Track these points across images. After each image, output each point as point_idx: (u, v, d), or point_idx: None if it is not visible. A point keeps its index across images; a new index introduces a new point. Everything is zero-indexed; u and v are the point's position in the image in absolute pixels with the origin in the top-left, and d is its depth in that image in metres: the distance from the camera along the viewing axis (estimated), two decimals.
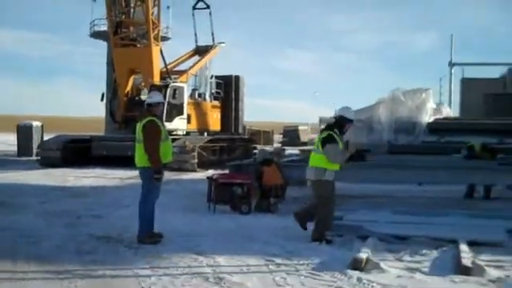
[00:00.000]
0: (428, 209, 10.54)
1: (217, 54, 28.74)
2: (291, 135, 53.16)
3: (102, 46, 37.57)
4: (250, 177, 11.18)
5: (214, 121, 27.68)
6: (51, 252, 7.38)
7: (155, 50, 24.39)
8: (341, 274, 6.35)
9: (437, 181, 12.15)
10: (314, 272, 6.46)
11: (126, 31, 25.25)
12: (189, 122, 24.74)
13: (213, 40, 28.50)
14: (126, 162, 16.08)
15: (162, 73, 24.78)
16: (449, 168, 12.48)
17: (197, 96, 26.73)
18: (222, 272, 6.45)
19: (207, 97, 27.39)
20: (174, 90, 23.43)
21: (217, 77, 28.35)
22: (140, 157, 8.04)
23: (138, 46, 25.21)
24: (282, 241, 8.12)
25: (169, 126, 20.84)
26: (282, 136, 56.71)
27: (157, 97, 8.61)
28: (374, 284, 6.02)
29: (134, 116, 20.71)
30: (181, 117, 23.98)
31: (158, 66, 24.64)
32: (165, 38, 33.19)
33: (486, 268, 6.53)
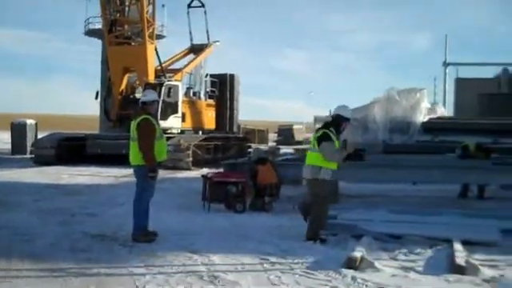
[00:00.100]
0: (422, 208, 10.55)
1: (212, 53, 28.74)
2: (286, 134, 53.13)
3: (96, 44, 37.53)
4: (245, 175, 11.18)
5: (209, 119, 27.67)
6: (45, 250, 7.36)
7: (150, 48, 24.36)
8: (335, 272, 6.35)
9: (431, 180, 12.17)
10: (309, 271, 6.46)
11: (120, 29, 25.21)
12: (183, 120, 24.73)
13: (208, 38, 28.50)
14: (121, 160, 16.04)
15: (156, 71, 24.76)
16: (443, 167, 12.50)
17: (191, 94, 26.71)
18: (217, 270, 6.45)
19: (202, 95, 27.38)
20: (169, 89, 23.41)
21: (212, 75, 28.35)
22: (134, 155, 8.03)
23: (133, 44, 25.18)
24: (276, 239, 8.13)
25: (163, 124, 20.81)
26: (276, 135, 56.70)
27: (151, 95, 8.59)
28: (369, 283, 6.02)
29: (128, 114, 20.64)
30: (175, 115, 23.97)
31: (152, 64, 24.61)
32: (160, 37, 33.16)
33: (479, 267, 6.55)
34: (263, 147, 31.25)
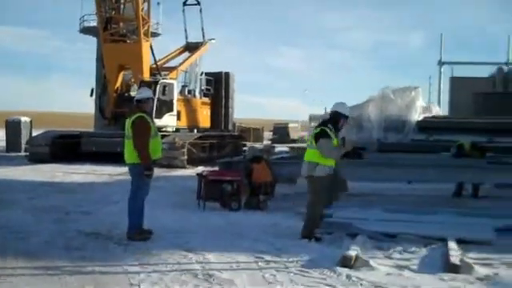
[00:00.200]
0: (417, 207, 10.56)
1: (207, 51, 28.71)
2: (281, 132, 53.16)
3: (91, 41, 37.46)
4: (240, 174, 11.18)
5: (204, 117, 27.65)
6: (40, 248, 7.35)
7: (145, 45, 24.33)
8: (330, 271, 6.36)
9: (426, 179, 12.21)
10: (304, 269, 6.47)
11: (115, 27, 25.14)
12: (178, 118, 24.68)
13: (203, 36, 28.46)
14: (116, 158, 16.02)
15: (151, 69, 24.73)
16: (438, 166, 12.54)
17: (187, 93, 26.68)
18: (212, 269, 6.45)
19: (197, 93, 27.35)
20: (164, 87, 23.36)
21: (207, 73, 28.32)
22: (129, 153, 8.01)
23: (128, 41, 25.13)
24: (271, 238, 8.13)
25: (158, 122, 20.80)
26: (272, 133, 56.74)
27: (146, 92, 8.58)
28: (363, 281, 6.04)
29: (123, 112, 20.58)
30: (170, 113, 23.92)
31: (147, 62, 24.57)
32: (155, 34, 33.12)
33: (474, 266, 6.57)
34: (258, 145, 31.23)
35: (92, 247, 7.44)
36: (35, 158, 22.05)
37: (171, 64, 27.27)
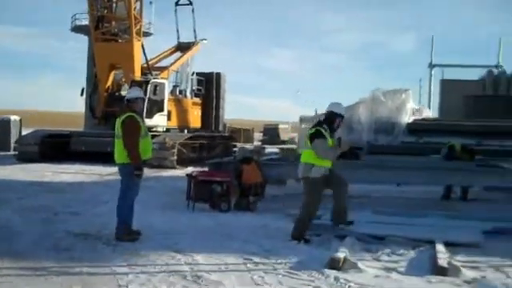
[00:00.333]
0: (406, 209, 10.60)
1: (199, 51, 28.70)
2: (271, 133, 53.15)
3: (83, 40, 37.35)
4: (230, 175, 11.17)
5: (195, 118, 27.61)
6: (27, 248, 7.32)
7: (137, 45, 24.27)
8: (318, 273, 6.38)
9: (415, 181, 12.22)
10: (292, 271, 6.48)
11: (107, 26, 25.08)
12: (169, 118, 24.65)
13: (195, 37, 28.44)
14: (106, 158, 15.98)
15: (143, 68, 24.67)
16: (427, 169, 12.57)
17: (178, 93, 26.65)
18: (200, 270, 6.45)
19: (188, 94, 27.32)
20: (155, 86, 23.32)
21: (198, 74, 28.31)
22: (119, 153, 7.99)
23: (120, 41, 25.06)
24: (260, 239, 8.14)
25: (149, 122, 20.77)
26: (262, 134, 56.73)
27: (135, 92, 8.56)
28: (351, 283, 6.05)
29: (114, 112, 20.58)
30: (161, 113, 23.88)
31: (139, 61, 24.52)
32: (147, 34, 33.07)
33: (461, 269, 6.60)
34: (248, 146, 31.24)
35: (80, 248, 7.41)
36: (24, 158, 21.91)
37: (162, 64, 27.26)
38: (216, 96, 29.73)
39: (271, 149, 30.24)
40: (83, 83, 29.09)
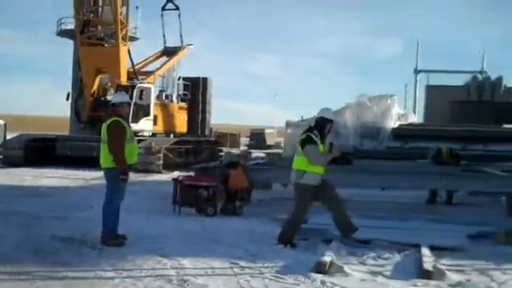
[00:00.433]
0: (391, 213, 10.65)
1: (185, 56, 28.69)
2: (257, 138, 53.19)
3: (69, 44, 37.18)
4: (216, 179, 11.16)
5: (181, 122, 27.57)
6: (11, 253, 7.26)
7: (123, 50, 24.20)
8: (304, 277, 6.39)
9: (401, 186, 12.28)
10: (278, 275, 6.49)
11: (93, 30, 24.99)
12: (155, 123, 24.59)
13: (181, 41, 28.43)
14: (91, 162, 15.89)
15: (129, 73, 24.60)
16: (413, 173, 12.63)
17: (164, 97, 26.59)
18: (187, 274, 6.44)
19: (174, 98, 27.28)
20: (141, 91, 23.26)
21: (184, 78, 28.29)
22: (105, 157, 7.97)
23: (106, 45, 24.97)
24: (247, 244, 8.14)
25: (135, 126, 20.69)
26: (248, 139, 56.74)
27: (121, 97, 8.55)
28: (337, 287, 6.07)
29: (99, 116, 20.50)
30: (147, 118, 23.82)
31: (125, 66, 24.44)
32: (133, 39, 32.99)
33: (446, 272, 6.65)
34: (235, 151, 31.23)
35: (66, 252, 7.36)
36: (9, 162, 21.75)
37: (149, 68, 27.18)
38: (202, 101, 29.73)
39: (257, 153, 30.26)
40: (69, 88, 29.00)
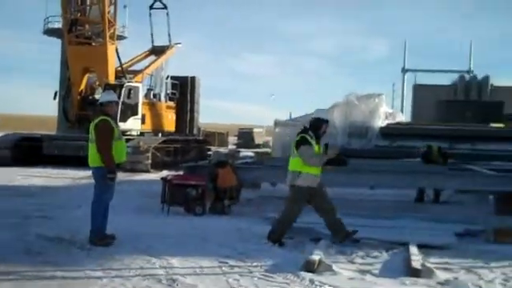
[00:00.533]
0: (379, 212, 10.69)
1: (173, 55, 28.62)
2: (246, 137, 53.18)
3: (56, 43, 36.95)
4: (204, 178, 11.15)
5: (169, 121, 27.52)
6: None
7: (111, 48, 24.10)
8: (293, 275, 6.40)
9: (389, 185, 12.33)
10: (267, 274, 6.50)
11: (81, 29, 24.87)
12: (143, 122, 24.52)
13: (169, 40, 28.35)
14: (79, 161, 15.82)
15: (117, 72, 24.49)
16: (401, 172, 12.69)
17: (152, 96, 26.52)
18: (175, 274, 6.43)
19: (162, 97, 27.23)
20: (129, 90, 23.20)
21: (172, 77, 28.22)
22: (93, 156, 7.94)
23: (93, 44, 24.85)
24: (235, 242, 8.14)
25: (123, 126, 20.65)
26: (236, 138, 56.72)
27: (109, 96, 8.52)
28: (326, 286, 6.09)
29: (87, 115, 20.44)
30: (135, 117, 23.74)
31: (113, 65, 24.34)
32: (121, 37, 32.88)
33: (434, 270, 6.69)
34: (223, 150, 31.23)
35: (54, 252, 7.33)
36: None
37: (137, 67, 27.06)
38: (190, 100, 29.67)
39: (246, 152, 30.26)
40: (56, 87, 28.77)
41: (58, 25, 32.16)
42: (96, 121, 7.93)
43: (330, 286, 6.10)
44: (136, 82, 24.52)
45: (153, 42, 28.44)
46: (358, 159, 15.94)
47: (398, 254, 7.63)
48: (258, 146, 47.98)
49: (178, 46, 28.92)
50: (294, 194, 8.13)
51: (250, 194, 12.56)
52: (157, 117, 26.19)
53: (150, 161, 21.16)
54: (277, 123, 22.94)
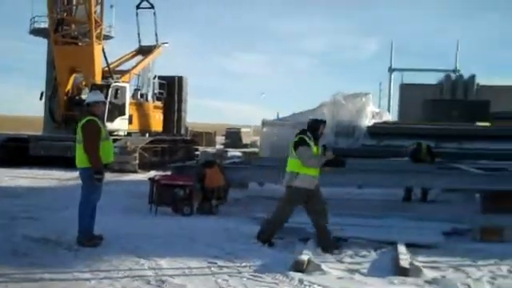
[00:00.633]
0: (367, 211, 10.72)
1: (160, 54, 28.49)
2: (233, 137, 53.14)
3: (42, 42, 36.75)
4: (192, 179, 11.13)
5: (156, 121, 27.43)
6: None
7: (97, 48, 23.97)
8: (282, 275, 6.41)
9: (376, 184, 12.37)
10: (256, 274, 6.50)
11: (67, 29, 24.72)
12: (130, 122, 24.40)
13: (156, 40, 28.24)
14: (66, 162, 15.72)
15: (103, 72, 24.36)
16: (389, 171, 12.74)
17: (139, 96, 26.40)
18: (164, 274, 6.41)
19: (150, 97, 27.10)
20: (116, 90, 23.09)
21: (160, 77, 28.12)
22: (80, 157, 7.89)
23: (80, 44, 24.70)
24: (224, 243, 8.13)
25: (110, 126, 20.54)
26: (224, 138, 56.67)
27: (96, 96, 8.48)
28: (315, 285, 6.10)
29: (73, 116, 20.33)
30: (122, 117, 23.63)
31: (99, 65, 24.21)
32: (107, 37, 32.75)
33: (422, 269, 6.72)
34: (211, 150, 31.19)
35: (41, 253, 7.28)
36: None
37: (124, 67, 26.93)
38: (178, 100, 29.58)
39: (233, 152, 30.24)
40: (42, 87, 28.62)
41: (44, 24, 31.95)
42: (83, 121, 7.89)
43: (319, 285, 6.11)
44: (123, 82, 24.40)
45: (140, 41, 28.31)
46: (346, 158, 15.98)
47: (387, 253, 7.66)
48: (246, 145, 47.97)
49: (165, 45, 28.82)
50: (289, 194, 8.11)
51: (238, 194, 12.56)
52: (144, 117, 26.09)
53: (137, 161, 21.08)
54: (264, 123, 22.97)
